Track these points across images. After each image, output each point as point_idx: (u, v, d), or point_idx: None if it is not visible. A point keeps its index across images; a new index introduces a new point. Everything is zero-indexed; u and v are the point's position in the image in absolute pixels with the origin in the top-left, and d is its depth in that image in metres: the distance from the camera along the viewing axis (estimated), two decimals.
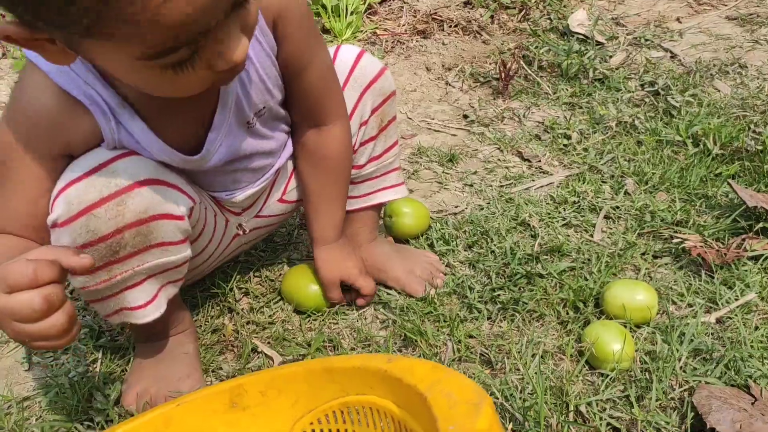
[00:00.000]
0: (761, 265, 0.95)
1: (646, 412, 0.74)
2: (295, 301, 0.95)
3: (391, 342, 0.88)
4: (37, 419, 0.82)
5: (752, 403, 0.72)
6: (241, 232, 0.91)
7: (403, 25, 1.76)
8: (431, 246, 1.06)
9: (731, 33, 1.66)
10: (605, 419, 0.73)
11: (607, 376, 0.79)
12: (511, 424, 0.74)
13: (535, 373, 0.78)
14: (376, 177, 0.96)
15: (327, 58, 0.81)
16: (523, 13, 1.82)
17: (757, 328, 0.86)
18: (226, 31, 0.55)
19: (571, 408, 0.75)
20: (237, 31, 0.56)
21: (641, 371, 0.79)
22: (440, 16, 1.80)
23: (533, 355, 0.83)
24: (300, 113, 0.84)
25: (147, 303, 0.73)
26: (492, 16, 1.80)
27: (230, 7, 0.53)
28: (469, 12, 1.82)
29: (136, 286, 0.71)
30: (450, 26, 1.78)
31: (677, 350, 0.81)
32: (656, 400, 0.75)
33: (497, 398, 0.76)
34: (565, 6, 1.81)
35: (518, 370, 0.81)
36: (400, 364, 0.61)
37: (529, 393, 0.76)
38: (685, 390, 0.76)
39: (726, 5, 1.80)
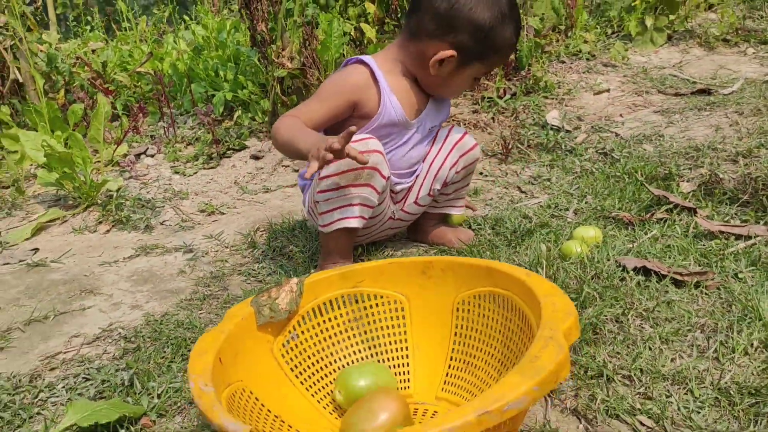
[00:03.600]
0: (660, 224, 1.66)
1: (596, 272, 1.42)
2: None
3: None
4: None
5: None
6: (393, 217, 1.61)
7: None
8: (469, 226, 1.77)
9: (655, 120, 2.46)
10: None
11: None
12: None
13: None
14: (452, 198, 1.68)
15: None
16: (514, 115, 2.63)
17: (656, 239, 1.55)
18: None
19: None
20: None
21: (588, 258, 1.48)
22: (456, 118, 2.61)
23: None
24: None
25: (355, 218, 1.41)
26: (493, 117, 2.61)
27: None
28: (477, 115, 2.63)
29: (353, 205, 1.39)
30: (464, 124, 2.58)
31: (610, 251, 1.50)
32: (599, 263, 1.43)
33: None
34: (542, 109, 2.63)
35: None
36: (535, 279, 0.86)
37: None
38: (616, 264, 1.44)
39: (654, 105, 2.62)
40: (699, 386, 0.98)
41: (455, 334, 0.99)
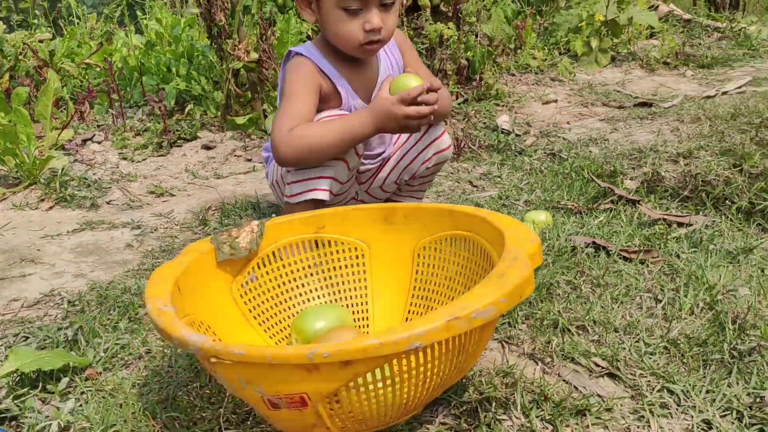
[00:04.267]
0: (606, 213, 1.72)
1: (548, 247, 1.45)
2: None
3: None
4: None
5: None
6: (356, 198, 1.60)
7: None
8: None
9: (600, 127, 2.55)
10: None
11: None
12: None
13: None
14: (415, 190, 1.68)
15: (419, 59, 1.63)
16: (466, 119, 2.68)
17: (603, 225, 1.60)
18: (376, 11, 1.32)
19: None
20: (380, 15, 1.33)
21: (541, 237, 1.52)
22: None
23: None
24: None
25: (324, 190, 1.36)
26: (445, 121, 2.66)
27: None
28: None
29: (323, 178, 1.35)
30: None
31: (560, 233, 1.54)
32: (550, 240, 1.47)
33: None
34: (493, 115, 2.69)
35: None
36: (496, 216, 0.89)
37: None
38: (567, 241, 1.48)
39: (599, 115, 2.72)
40: (649, 337, 1.01)
41: (415, 280, 1.00)
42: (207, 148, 2.41)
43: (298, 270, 1.03)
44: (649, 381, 0.89)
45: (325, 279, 1.04)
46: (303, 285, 1.03)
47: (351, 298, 1.03)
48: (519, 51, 3.44)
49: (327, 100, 1.44)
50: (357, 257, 1.03)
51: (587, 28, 3.55)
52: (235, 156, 2.34)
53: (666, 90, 3.03)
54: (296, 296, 1.02)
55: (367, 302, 1.02)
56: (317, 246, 1.03)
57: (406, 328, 0.64)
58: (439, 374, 0.71)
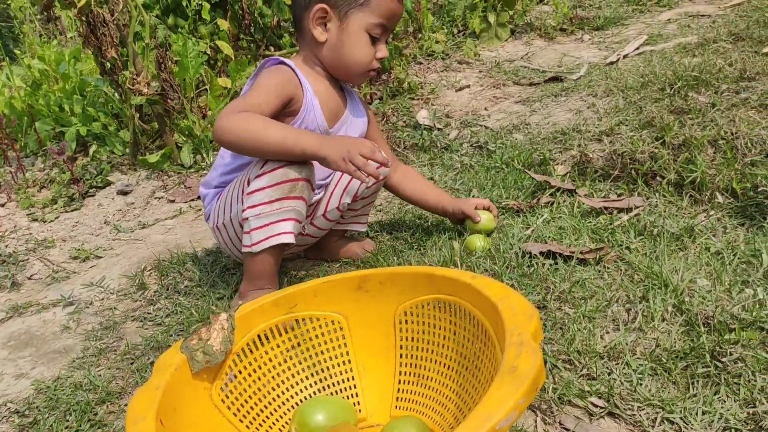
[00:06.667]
0: (548, 208, 1.73)
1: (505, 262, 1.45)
2: None
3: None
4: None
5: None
6: (303, 233, 1.51)
7: None
8: (367, 235, 1.75)
9: (519, 110, 2.57)
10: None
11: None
12: None
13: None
14: (359, 214, 1.62)
15: (380, 134, 1.66)
16: (384, 119, 2.65)
17: (548, 222, 1.61)
18: (387, 40, 1.37)
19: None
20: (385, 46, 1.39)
21: (495, 250, 1.51)
22: None
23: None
24: None
25: (289, 233, 1.29)
26: None
27: (393, 30, 1.33)
28: None
29: (287, 220, 1.29)
30: None
31: (510, 240, 1.54)
32: (505, 253, 1.46)
33: None
34: (411, 110, 2.67)
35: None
36: (481, 280, 0.85)
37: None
38: (521, 251, 1.48)
39: (513, 96, 2.75)
40: (633, 357, 1.02)
41: (401, 347, 0.96)
42: (123, 193, 2.27)
43: (276, 356, 0.97)
44: (647, 413, 0.90)
45: (306, 359, 0.99)
46: (284, 371, 0.97)
47: (336, 375, 0.99)
48: (420, 35, 3.42)
49: (293, 113, 1.40)
50: (336, 330, 0.99)
51: (481, 3, 3.57)
52: (156, 198, 2.22)
53: (569, 59, 3.09)
54: (279, 384, 0.97)
55: (353, 377, 0.98)
56: (292, 327, 0.98)
57: None
58: None
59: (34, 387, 1.30)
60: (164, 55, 2.37)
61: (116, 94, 2.53)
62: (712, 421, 0.88)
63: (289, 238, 1.31)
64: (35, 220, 2.15)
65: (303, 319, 0.99)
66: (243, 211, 1.32)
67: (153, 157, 2.32)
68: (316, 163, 1.35)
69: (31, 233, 2.05)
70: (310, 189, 1.34)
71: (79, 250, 1.90)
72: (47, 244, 1.97)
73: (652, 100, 2.14)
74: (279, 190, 1.28)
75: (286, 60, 1.42)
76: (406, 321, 0.96)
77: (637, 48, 2.97)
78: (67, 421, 1.18)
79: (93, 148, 2.57)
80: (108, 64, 2.34)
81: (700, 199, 1.68)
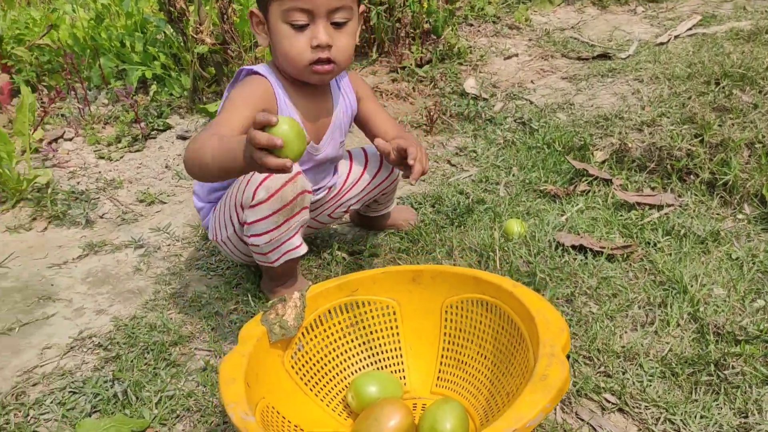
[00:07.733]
0: (584, 196, 1.85)
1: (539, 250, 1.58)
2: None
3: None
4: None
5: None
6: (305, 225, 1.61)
7: None
8: (411, 205, 1.89)
9: (564, 87, 2.65)
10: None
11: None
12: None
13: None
14: (384, 202, 1.70)
15: (381, 109, 1.54)
16: (432, 84, 2.73)
17: (582, 212, 1.73)
18: (323, 26, 1.23)
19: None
20: (329, 31, 1.23)
21: (530, 237, 1.64)
22: (379, 88, 2.68)
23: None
24: (383, 130, 1.51)
25: (300, 246, 1.36)
26: (413, 87, 2.71)
27: (327, 14, 1.22)
28: (397, 84, 2.71)
29: (295, 235, 1.34)
30: (385, 95, 2.66)
31: (545, 227, 1.67)
32: (540, 241, 1.59)
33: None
34: (459, 77, 2.75)
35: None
36: (521, 290, 0.99)
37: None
38: (554, 241, 1.61)
39: (561, 71, 2.81)
40: (646, 359, 1.16)
41: (444, 334, 1.11)
42: (183, 138, 2.42)
43: (337, 332, 1.13)
44: (653, 413, 1.05)
45: (362, 335, 1.14)
46: (343, 345, 1.14)
47: (386, 352, 1.15)
48: None
49: None
50: (389, 314, 1.14)
51: None
52: None
53: (620, 34, 3.12)
54: (338, 356, 1.13)
55: (401, 355, 1.14)
56: (352, 308, 1.13)
57: None
58: None
59: (113, 323, 1.48)
60: (227, 5, 2.46)
61: (179, 39, 2.64)
62: (708, 425, 1.02)
63: (302, 250, 1.38)
64: (102, 157, 2.31)
65: (362, 302, 1.14)
66: (249, 237, 1.33)
67: (212, 107, 2.45)
68: (311, 173, 1.43)
69: (99, 172, 2.21)
70: (309, 195, 1.32)
71: (144, 193, 2.07)
72: (116, 184, 2.13)
73: (696, 94, 2.20)
74: (282, 214, 1.28)
75: (259, 68, 1.35)
76: (452, 312, 1.11)
77: (689, 29, 2.99)
78: (145, 358, 1.36)
79: (153, 88, 2.71)
80: (175, 12, 2.44)
81: (729, 201, 1.78)
